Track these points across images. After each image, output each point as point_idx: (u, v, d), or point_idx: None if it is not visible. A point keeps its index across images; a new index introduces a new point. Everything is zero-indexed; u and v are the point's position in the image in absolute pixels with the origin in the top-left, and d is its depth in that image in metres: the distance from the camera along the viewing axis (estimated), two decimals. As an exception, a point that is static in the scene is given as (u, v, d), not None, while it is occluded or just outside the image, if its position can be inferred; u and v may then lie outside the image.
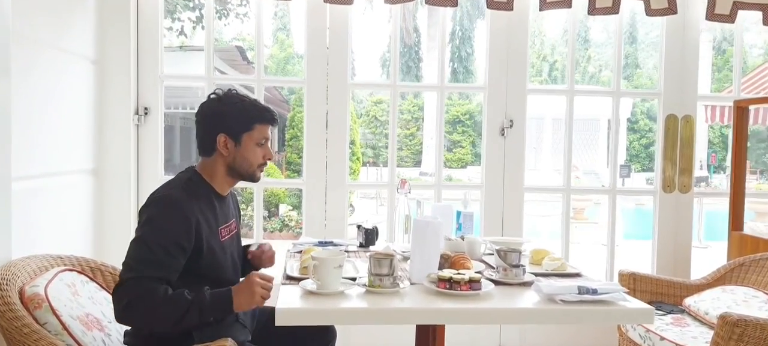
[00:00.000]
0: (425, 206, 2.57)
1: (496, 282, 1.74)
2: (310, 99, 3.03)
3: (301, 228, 2.99)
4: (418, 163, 32.03)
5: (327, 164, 3.04)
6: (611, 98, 3.23)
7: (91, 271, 2.06)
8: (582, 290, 1.61)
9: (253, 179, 1.83)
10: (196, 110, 1.80)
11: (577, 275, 1.96)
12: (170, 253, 1.57)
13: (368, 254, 1.71)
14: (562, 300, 1.59)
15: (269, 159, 1.85)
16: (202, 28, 13.00)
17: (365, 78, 35.26)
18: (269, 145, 1.85)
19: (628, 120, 30.78)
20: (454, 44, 40.58)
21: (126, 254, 1.58)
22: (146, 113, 2.96)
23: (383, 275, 1.63)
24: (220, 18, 12.77)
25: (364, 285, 1.64)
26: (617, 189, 3.25)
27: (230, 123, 1.74)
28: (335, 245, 2.21)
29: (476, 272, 1.73)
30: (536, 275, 1.87)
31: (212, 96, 1.80)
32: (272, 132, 1.88)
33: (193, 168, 1.81)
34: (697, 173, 31.14)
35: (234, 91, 1.82)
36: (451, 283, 1.63)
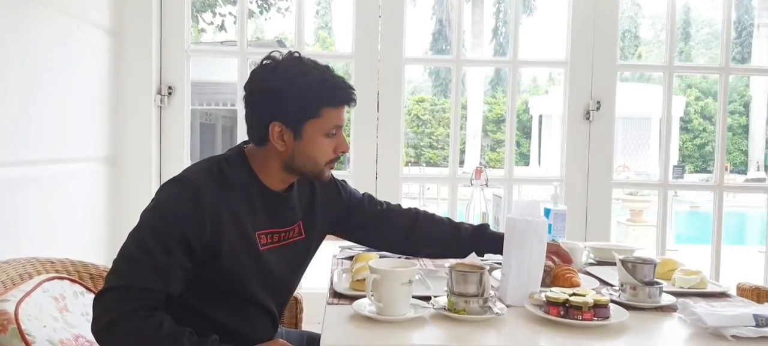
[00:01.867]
0: (505, 200, 2.09)
1: (624, 306, 1.25)
2: (358, 77, 2.58)
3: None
4: (461, 163, 31.39)
5: (378, 153, 2.58)
6: (719, 75, 2.68)
7: (91, 279, 1.64)
8: (762, 321, 1.11)
9: (321, 178, 1.37)
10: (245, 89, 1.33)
11: (724, 294, 1.45)
12: (172, 253, 1.14)
13: (445, 265, 1.23)
14: (734, 336, 1.09)
15: (343, 152, 1.36)
16: (234, 22, 12.82)
17: (407, 76, 34.74)
18: (343, 133, 1.37)
19: (681, 119, 29.47)
20: (496, 42, 39.79)
21: (119, 250, 1.17)
22: (170, 93, 2.56)
23: (470, 295, 1.16)
24: (260, 13, 12.50)
25: (444, 308, 1.18)
26: (725, 185, 2.70)
27: (288, 107, 1.26)
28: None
29: (595, 292, 1.24)
30: (670, 293, 1.37)
31: (266, 62, 1.30)
32: (349, 114, 1.40)
33: (240, 148, 1.36)
34: (754, 173, 29.63)
35: (296, 56, 1.32)
36: (567, 308, 1.14)
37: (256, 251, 1.28)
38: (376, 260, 1.33)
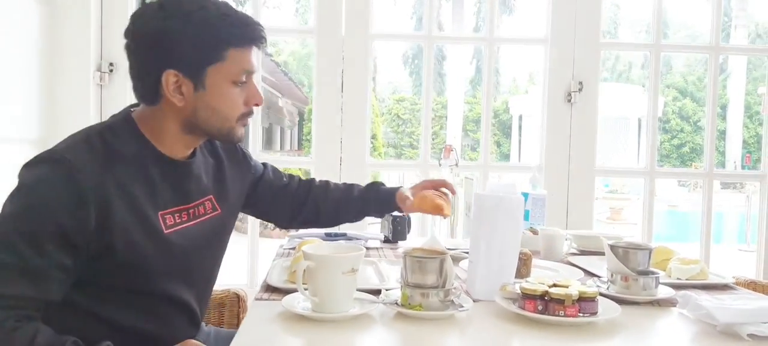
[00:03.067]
0: (480, 186, 1.86)
1: (614, 299, 1.04)
2: (321, 55, 2.35)
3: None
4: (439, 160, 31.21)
5: (342, 138, 2.36)
6: (708, 55, 2.49)
7: None
8: (782, 318, 0.91)
9: (231, 137, 1.14)
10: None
11: (727, 286, 1.25)
12: (45, 252, 0.90)
13: (400, 252, 1.02)
14: (751, 336, 0.89)
15: (257, 103, 1.14)
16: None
17: (388, 76, 34.67)
18: (255, 82, 1.15)
19: (659, 119, 29.62)
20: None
21: None
22: (112, 70, 2.31)
23: (428, 286, 0.94)
24: (237, 6, 12.19)
25: (395, 303, 0.96)
26: (716, 172, 2.51)
27: (185, 51, 1.04)
28: (350, 239, 1.52)
29: (581, 282, 1.03)
30: (667, 285, 1.17)
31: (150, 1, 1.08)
32: (259, 59, 1.17)
33: (126, 112, 1.12)
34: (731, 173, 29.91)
35: None
36: (546, 302, 0.93)
37: (159, 235, 1.04)
38: (313, 244, 1.11)
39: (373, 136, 12.72)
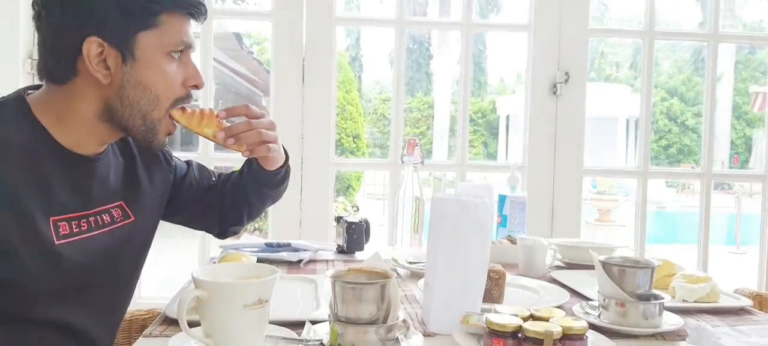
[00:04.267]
0: (450, 187, 1.61)
1: (608, 332, 0.82)
2: (278, 40, 2.11)
3: (268, 226, 2.00)
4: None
5: (303, 134, 2.12)
6: (707, 44, 2.28)
7: None
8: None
9: (152, 137, 0.94)
10: None
11: (744, 310, 1.04)
12: None
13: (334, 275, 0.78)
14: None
15: (196, 86, 0.96)
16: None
17: (374, 77, 34.52)
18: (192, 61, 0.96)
19: (642, 107, 29.57)
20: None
21: None
22: (44, 58, 2.05)
23: (365, 321, 0.71)
24: (216, 2, 11.91)
25: (321, 344, 0.73)
26: (713, 173, 2.30)
27: (110, 13, 0.86)
28: (294, 249, 1.29)
29: (565, 312, 0.81)
30: (671, 310, 0.95)
31: None
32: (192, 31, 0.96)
33: (20, 93, 0.91)
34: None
35: None
36: (520, 340, 0.70)
37: (47, 246, 0.84)
38: (207, 266, 0.88)
39: (357, 136, 12.46)
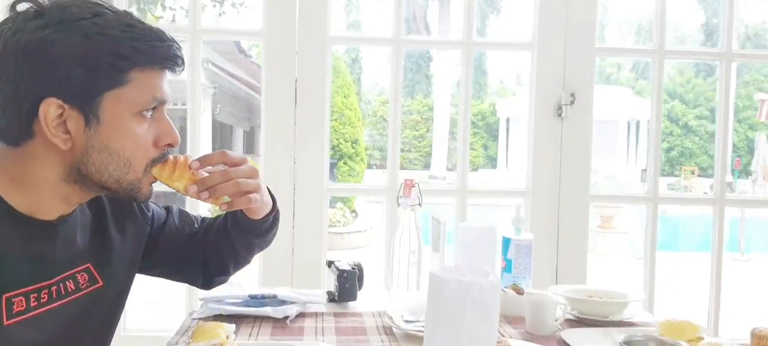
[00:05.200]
0: (448, 227, 1.49)
1: None
2: (270, 61, 2.01)
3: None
4: (427, 166, 31.02)
5: (295, 159, 2.02)
6: (720, 63, 2.17)
7: None
8: None
9: (135, 194, 0.85)
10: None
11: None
12: None
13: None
14: None
15: (171, 144, 0.86)
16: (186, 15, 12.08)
17: (374, 78, 34.50)
18: (167, 116, 0.87)
19: (649, 122, 29.55)
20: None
21: None
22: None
23: None
24: (214, 6, 11.79)
25: None
26: (727, 198, 2.19)
27: (72, 72, 0.76)
28: (281, 301, 1.18)
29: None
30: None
31: (23, 7, 0.78)
32: (167, 84, 0.86)
33: None
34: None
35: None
36: None
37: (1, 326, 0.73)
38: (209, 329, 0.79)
39: (356, 141, 12.34)
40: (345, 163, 11.88)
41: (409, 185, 1.21)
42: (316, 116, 2.02)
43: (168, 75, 0.84)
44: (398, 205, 1.23)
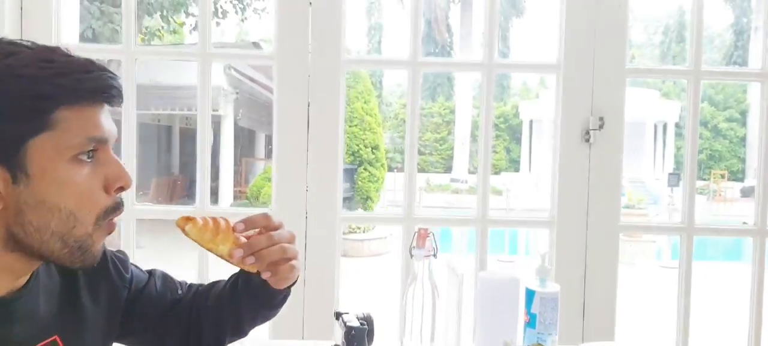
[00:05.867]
0: (467, 279, 1.38)
1: None
2: (282, 83, 1.93)
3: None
4: (448, 169, 30.82)
5: (308, 186, 1.93)
6: (761, 84, 2.03)
7: None
8: None
9: (86, 256, 0.75)
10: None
11: None
12: None
13: None
14: None
15: (123, 186, 0.76)
16: (217, 24, 12.17)
17: (396, 79, 34.38)
18: (113, 154, 0.77)
19: (676, 125, 29.04)
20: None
21: None
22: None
23: None
24: (236, 12, 11.82)
25: None
26: None
27: None
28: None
29: None
30: None
31: None
32: (107, 119, 0.77)
33: None
34: (751, 181, 29.35)
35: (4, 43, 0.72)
36: None
37: None
38: None
39: (376, 147, 12.28)
40: (365, 169, 11.83)
41: (423, 235, 1.11)
42: (329, 141, 1.92)
43: (107, 109, 0.75)
44: (411, 256, 1.13)
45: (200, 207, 1.89)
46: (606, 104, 1.95)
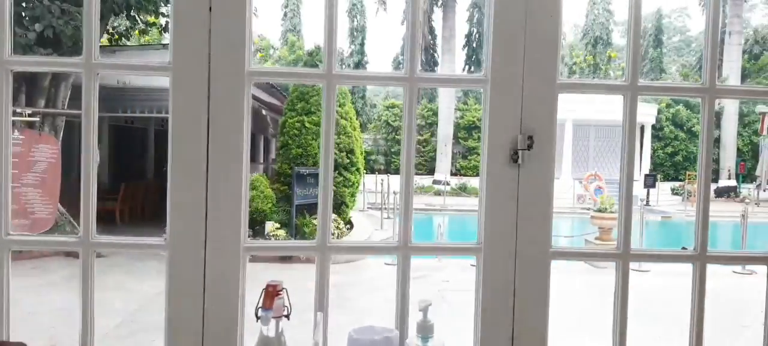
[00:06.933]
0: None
1: None
2: (179, 96, 1.74)
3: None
4: (431, 171, 30.70)
5: (207, 212, 1.74)
6: (701, 100, 1.89)
7: None
8: None
9: None
10: None
11: None
12: None
13: None
14: None
15: None
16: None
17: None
18: None
19: (653, 127, 29.17)
20: (470, 47, 39.40)
21: None
22: None
23: None
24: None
25: None
26: (708, 255, 1.90)
27: None
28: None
29: None
30: None
31: None
32: None
33: None
34: (725, 181, 29.67)
35: None
36: None
37: None
38: None
39: (351, 152, 12.07)
40: (339, 173, 11.62)
41: (271, 292, 0.93)
42: (231, 161, 1.74)
43: None
44: (257, 319, 0.95)
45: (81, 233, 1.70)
46: (537, 122, 1.79)
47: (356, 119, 12.74)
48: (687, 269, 1.85)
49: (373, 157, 31.79)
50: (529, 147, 1.77)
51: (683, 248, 1.77)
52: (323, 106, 1.81)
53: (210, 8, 1.72)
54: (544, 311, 1.82)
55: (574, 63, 34.30)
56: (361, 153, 13.85)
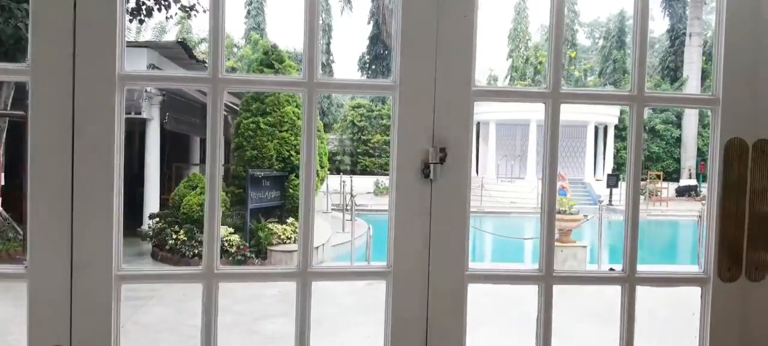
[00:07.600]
0: None
1: None
2: (41, 99, 1.51)
3: None
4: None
5: (73, 230, 1.52)
6: (629, 108, 1.74)
7: None
8: None
9: None
10: None
11: None
12: None
13: None
14: None
15: None
16: (140, 22, 11.51)
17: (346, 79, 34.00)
18: None
19: (616, 127, 29.57)
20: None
21: None
22: None
23: None
24: (159, 10, 11.17)
25: None
26: (637, 277, 1.75)
27: None
28: None
29: None
30: None
31: None
32: None
33: None
34: (686, 181, 30.22)
35: None
36: None
37: None
38: None
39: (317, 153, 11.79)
40: (297, 176, 11.35)
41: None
42: (101, 171, 1.52)
43: None
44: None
45: None
46: (450, 132, 1.61)
47: (321, 120, 12.49)
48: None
49: (338, 157, 31.50)
50: (442, 160, 1.59)
51: (610, 269, 1.61)
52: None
53: (74, 4, 1.50)
54: (461, 339, 1.65)
55: (539, 63, 34.58)
56: (325, 154, 13.59)
